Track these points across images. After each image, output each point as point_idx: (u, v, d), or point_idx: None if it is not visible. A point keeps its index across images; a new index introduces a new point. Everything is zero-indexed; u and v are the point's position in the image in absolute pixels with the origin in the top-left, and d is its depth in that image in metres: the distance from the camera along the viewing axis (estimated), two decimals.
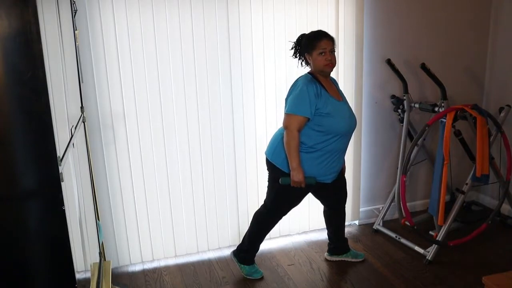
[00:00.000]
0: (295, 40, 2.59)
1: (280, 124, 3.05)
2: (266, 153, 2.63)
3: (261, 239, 2.78)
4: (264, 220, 2.72)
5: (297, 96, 2.42)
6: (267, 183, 2.67)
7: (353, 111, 3.17)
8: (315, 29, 3.00)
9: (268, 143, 2.66)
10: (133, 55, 2.68)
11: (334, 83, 2.62)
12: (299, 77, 2.52)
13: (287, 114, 2.43)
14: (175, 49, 2.75)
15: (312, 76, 2.47)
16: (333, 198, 2.78)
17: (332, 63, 2.45)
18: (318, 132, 2.43)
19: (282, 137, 2.50)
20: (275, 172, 2.55)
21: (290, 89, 2.51)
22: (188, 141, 2.91)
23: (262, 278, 2.75)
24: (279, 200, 2.64)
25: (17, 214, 1.38)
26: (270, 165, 2.59)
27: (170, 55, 2.75)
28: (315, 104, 2.39)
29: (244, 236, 2.79)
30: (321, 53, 2.43)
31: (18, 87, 1.30)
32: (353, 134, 3.18)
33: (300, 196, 2.64)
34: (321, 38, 2.44)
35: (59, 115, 1.55)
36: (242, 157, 3.05)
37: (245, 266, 2.78)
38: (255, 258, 2.82)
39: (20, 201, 1.39)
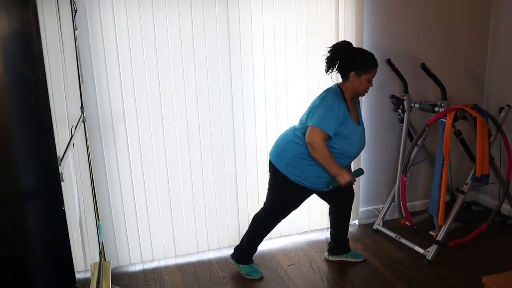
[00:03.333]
0: (337, 47, 2.49)
1: (281, 125, 3.05)
2: (270, 156, 2.60)
3: (259, 241, 2.77)
4: (264, 223, 2.72)
5: (327, 111, 2.39)
6: (268, 185, 2.66)
7: None
8: (315, 29, 3.02)
9: (273, 145, 2.63)
10: (133, 55, 2.68)
11: (356, 103, 2.60)
12: (328, 90, 2.48)
13: (313, 127, 2.39)
14: (175, 49, 2.75)
15: (341, 93, 2.46)
16: (337, 198, 2.76)
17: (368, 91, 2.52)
18: (332, 149, 2.43)
19: (288, 142, 2.49)
20: (277, 176, 2.54)
21: (318, 100, 2.46)
22: (188, 141, 2.91)
23: (262, 278, 2.75)
24: (279, 203, 2.64)
25: (17, 214, 1.38)
26: (272, 168, 2.57)
27: (170, 55, 2.75)
28: (339, 125, 2.40)
29: (243, 238, 2.79)
30: (369, 80, 2.45)
31: (18, 87, 1.30)
32: None
33: (300, 200, 2.64)
34: (376, 66, 2.46)
35: (59, 115, 1.55)
36: (242, 157, 3.05)
37: (244, 265, 2.77)
38: (256, 260, 2.82)
39: (20, 201, 1.39)
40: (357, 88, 2.45)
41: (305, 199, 2.65)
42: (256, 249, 2.79)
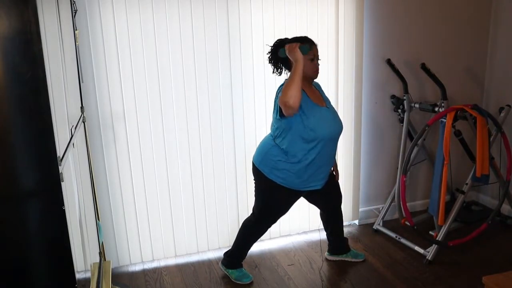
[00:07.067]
0: (272, 45, 2.46)
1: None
2: (254, 160, 2.55)
3: (249, 246, 2.75)
4: (252, 229, 2.69)
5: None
6: (254, 191, 2.62)
7: (352, 112, 3.19)
8: (315, 29, 3.02)
9: (255, 151, 2.58)
10: (133, 55, 2.68)
11: (317, 87, 2.55)
12: (282, 84, 2.41)
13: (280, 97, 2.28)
14: (175, 49, 2.75)
15: None
16: (326, 201, 2.75)
17: (318, 70, 2.42)
18: (302, 139, 2.37)
19: (271, 147, 2.45)
20: (263, 181, 2.50)
21: (276, 95, 2.41)
22: (188, 141, 2.91)
23: (252, 283, 2.70)
24: (267, 209, 2.61)
25: (17, 214, 1.38)
26: (258, 174, 2.52)
27: (170, 55, 2.75)
28: (303, 112, 2.33)
29: (233, 243, 2.76)
30: (311, 59, 2.37)
31: (18, 87, 1.30)
32: (353, 134, 3.20)
33: (289, 204, 2.61)
34: (312, 44, 2.38)
35: (59, 115, 1.55)
36: (242, 157, 3.05)
37: (233, 270, 2.74)
38: (256, 260, 2.81)
39: (20, 201, 1.38)
40: (306, 72, 2.33)
41: (293, 203, 2.61)
42: (245, 255, 2.76)
